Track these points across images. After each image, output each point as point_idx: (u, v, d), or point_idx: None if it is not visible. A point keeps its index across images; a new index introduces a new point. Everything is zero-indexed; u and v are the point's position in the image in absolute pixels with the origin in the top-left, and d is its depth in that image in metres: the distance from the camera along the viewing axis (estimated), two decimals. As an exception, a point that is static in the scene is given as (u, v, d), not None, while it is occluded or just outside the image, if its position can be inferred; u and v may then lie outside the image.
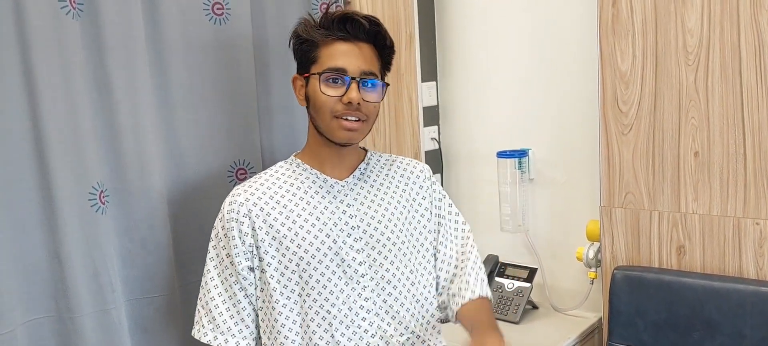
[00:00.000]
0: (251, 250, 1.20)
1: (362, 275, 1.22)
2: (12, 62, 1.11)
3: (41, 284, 1.16)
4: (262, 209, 1.21)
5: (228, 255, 1.21)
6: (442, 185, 2.31)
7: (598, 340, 1.96)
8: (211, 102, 1.41)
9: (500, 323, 1.94)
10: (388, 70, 1.30)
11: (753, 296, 1.57)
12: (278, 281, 1.20)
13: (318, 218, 1.22)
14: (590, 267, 1.91)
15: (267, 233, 1.20)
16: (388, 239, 1.25)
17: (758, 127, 1.55)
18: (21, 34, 1.11)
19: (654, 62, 1.66)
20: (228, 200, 1.23)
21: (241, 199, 1.22)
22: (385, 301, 1.24)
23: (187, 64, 1.37)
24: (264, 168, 1.52)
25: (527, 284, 2.03)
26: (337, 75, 1.18)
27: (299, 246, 1.20)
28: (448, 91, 2.29)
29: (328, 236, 1.21)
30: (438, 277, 1.36)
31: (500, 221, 2.13)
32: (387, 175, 1.32)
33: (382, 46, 1.24)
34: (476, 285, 1.31)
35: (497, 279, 2.10)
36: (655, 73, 1.66)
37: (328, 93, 1.18)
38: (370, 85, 1.20)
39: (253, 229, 1.20)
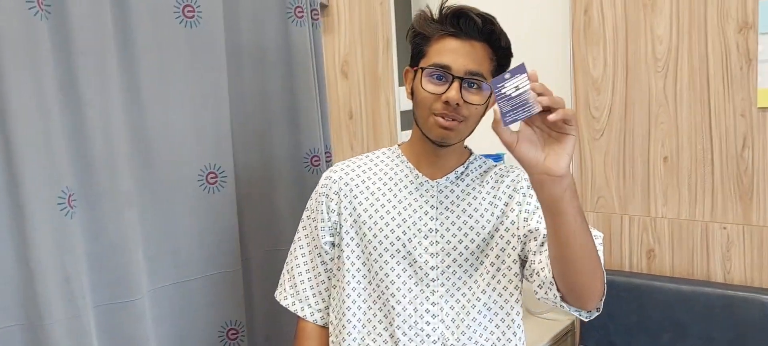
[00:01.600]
0: (335, 227, 1.24)
1: (433, 279, 1.20)
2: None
3: (10, 291, 1.14)
4: (351, 190, 1.24)
5: (315, 227, 1.26)
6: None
7: (571, 343, 1.98)
8: (182, 106, 1.40)
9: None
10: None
11: (721, 299, 1.60)
12: (353, 264, 1.22)
13: (399, 213, 1.21)
14: (563, 271, 1.92)
15: (350, 215, 1.23)
16: (466, 247, 1.20)
17: (725, 134, 1.58)
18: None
19: (625, 69, 1.69)
20: (325, 174, 1.28)
21: (336, 176, 1.26)
22: (452, 308, 1.20)
23: (157, 66, 1.36)
24: (236, 173, 1.51)
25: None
26: (442, 72, 1.13)
27: (375, 236, 1.21)
28: (425, 96, 2.30)
29: (404, 233, 1.20)
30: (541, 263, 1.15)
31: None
32: (481, 182, 1.26)
33: (497, 47, 1.18)
34: None
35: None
36: (626, 79, 1.69)
37: (428, 89, 1.14)
38: (475, 86, 1.14)
39: (340, 207, 1.23)
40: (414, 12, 2.27)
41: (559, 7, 1.89)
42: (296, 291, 1.28)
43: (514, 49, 2.11)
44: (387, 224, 1.21)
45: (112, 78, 1.27)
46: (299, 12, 1.59)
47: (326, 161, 1.71)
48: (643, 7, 1.64)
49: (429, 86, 1.14)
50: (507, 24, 2.04)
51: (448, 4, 1.17)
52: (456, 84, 1.12)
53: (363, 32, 2.28)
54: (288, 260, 1.31)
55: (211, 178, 1.46)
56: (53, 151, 1.18)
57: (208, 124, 1.45)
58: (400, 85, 2.25)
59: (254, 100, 1.56)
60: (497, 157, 2.11)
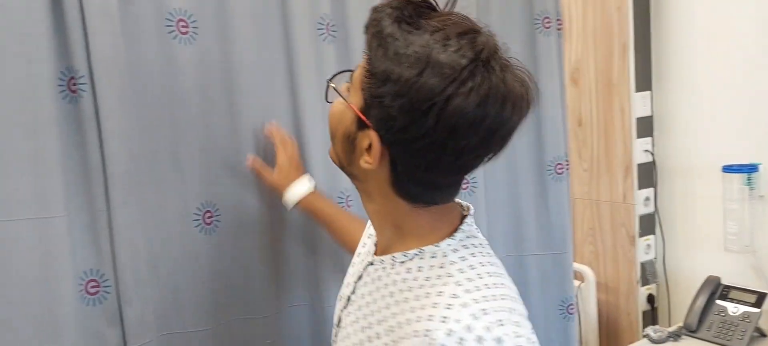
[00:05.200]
0: None
1: None
2: (283, 89, 1.30)
3: (300, 274, 1.34)
4: None
5: None
6: (655, 200, 2.22)
7: None
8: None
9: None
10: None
11: None
12: None
13: (341, 288, 0.98)
14: (836, 296, 1.72)
15: None
16: None
17: None
18: (289, 62, 1.29)
19: None
20: None
21: None
22: None
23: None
24: (487, 180, 1.57)
25: (755, 310, 1.88)
26: None
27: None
28: (665, 101, 2.19)
29: (334, 312, 0.96)
30: None
31: (724, 240, 2.00)
32: (403, 287, 0.80)
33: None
34: None
35: (718, 302, 1.97)
36: None
37: None
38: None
39: None
40: (653, 13, 2.18)
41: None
42: None
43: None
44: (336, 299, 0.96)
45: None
46: (547, 22, 1.62)
47: (566, 169, 1.70)
48: None
49: None
50: (766, 17, 1.85)
51: None
52: None
53: (597, 38, 2.24)
54: None
55: (464, 184, 1.54)
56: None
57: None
58: (637, 90, 2.17)
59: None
60: (752, 168, 1.95)
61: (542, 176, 1.65)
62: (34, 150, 1.05)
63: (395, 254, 0.81)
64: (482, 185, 1.56)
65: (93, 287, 1.14)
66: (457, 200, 0.86)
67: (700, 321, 1.95)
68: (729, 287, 1.98)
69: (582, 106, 2.34)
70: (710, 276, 2.00)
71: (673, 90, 2.16)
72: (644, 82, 2.19)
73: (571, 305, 1.68)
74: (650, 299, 2.24)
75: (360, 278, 0.87)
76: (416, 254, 0.79)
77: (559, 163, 1.65)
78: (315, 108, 1.32)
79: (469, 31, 0.71)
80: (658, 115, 2.21)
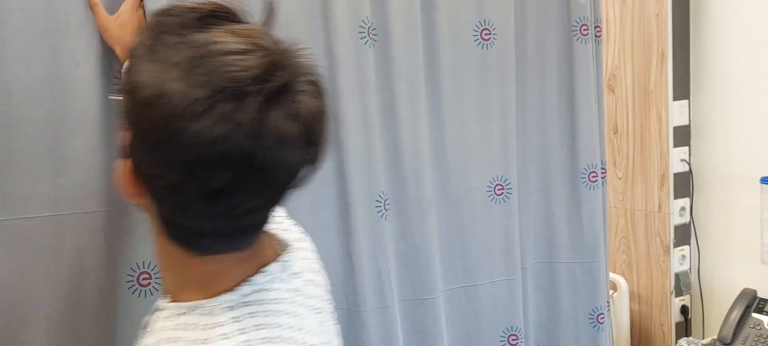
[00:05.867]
0: None
1: None
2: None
3: (336, 280, 1.34)
4: None
5: None
6: (690, 210, 2.20)
7: None
8: (474, 121, 1.51)
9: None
10: None
11: None
12: None
13: None
14: None
15: None
16: None
17: None
18: (330, 66, 1.31)
19: None
20: None
21: None
22: None
23: (455, 86, 1.48)
24: (520, 186, 1.58)
25: (793, 325, 1.86)
26: None
27: None
28: (703, 110, 2.17)
29: None
30: None
31: (761, 252, 1.97)
32: None
33: None
34: None
35: (755, 315, 1.94)
36: None
37: None
38: None
39: None
40: (693, 21, 2.15)
41: None
42: None
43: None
44: None
45: (421, 98, 1.42)
46: (584, 29, 1.61)
47: (602, 177, 1.70)
48: None
49: None
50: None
51: None
52: None
53: (634, 45, 2.22)
54: None
55: (498, 189, 1.54)
56: (374, 160, 1.35)
57: (496, 138, 1.54)
58: (675, 99, 2.15)
59: (535, 115, 1.62)
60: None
61: (575, 183, 1.64)
62: (83, 148, 1.08)
63: (173, 305, 0.68)
64: (516, 191, 1.57)
65: (145, 279, 1.17)
66: (279, 238, 0.77)
67: (735, 334, 1.92)
68: (765, 300, 1.95)
69: (618, 113, 2.33)
70: (746, 288, 1.98)
71: (712, 99, 2.14)
72: (682, 90, 2.17)
73: (601, 314, 1.67)
74: (684, 310, 2.22)
75: (148, 323, 0.72)
76: (191, 308, 0.66)
77: (592, 172, 1.64)
78: (356, 113, 1.33)
79: (238, 52, 0.57)
80: (696, 124, 2.19)
